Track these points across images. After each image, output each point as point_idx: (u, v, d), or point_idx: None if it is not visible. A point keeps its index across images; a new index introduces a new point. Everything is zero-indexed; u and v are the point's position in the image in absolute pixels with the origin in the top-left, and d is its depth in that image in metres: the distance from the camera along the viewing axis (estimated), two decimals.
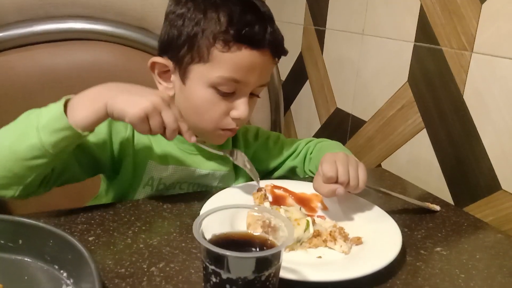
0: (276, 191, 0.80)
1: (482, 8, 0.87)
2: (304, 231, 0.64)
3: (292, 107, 1.63)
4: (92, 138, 0.75)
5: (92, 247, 0.63)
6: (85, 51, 1.13)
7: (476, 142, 0.90)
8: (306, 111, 1.54)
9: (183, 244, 0.65)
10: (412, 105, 1.06)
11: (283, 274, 0.55)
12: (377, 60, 1.17)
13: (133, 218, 0.71)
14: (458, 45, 0.93)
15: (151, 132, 0.65)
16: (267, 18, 0.75)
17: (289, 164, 0.94)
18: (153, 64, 0.78)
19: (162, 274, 0.58)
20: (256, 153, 0.94)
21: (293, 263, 0.58)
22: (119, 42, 1.13)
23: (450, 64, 0.95)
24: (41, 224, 0.57)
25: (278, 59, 0.78)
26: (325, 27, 1.39)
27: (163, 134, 0.67)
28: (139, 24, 1.14)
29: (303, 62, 1.53)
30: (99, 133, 0.76)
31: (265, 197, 0.73)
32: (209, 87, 0.74)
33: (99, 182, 0.88)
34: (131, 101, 0.64)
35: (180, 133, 0.68)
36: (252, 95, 0.78)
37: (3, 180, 0.65)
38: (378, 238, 0.66)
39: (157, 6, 1.14)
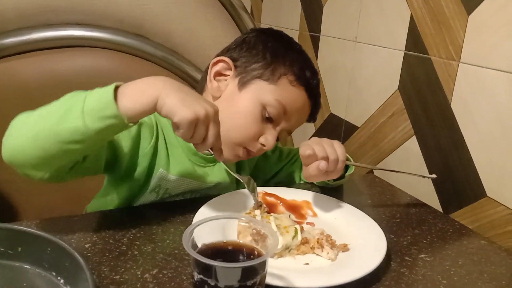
0: (268, 198, 0.82)
1: (469, 19, 0.90)
2: (293, 238, 0.66)
3: None
4: (122, 136, 0.76)
5: (89, 254, 0.65)
6: (84, 58, 1.15)
7: (463, 150, 0.92)
8: None
9: (176, 251, 0.67)
10: (402, 113, 1.08)
11: (271, 280, 0.57)
12: (370, 68, 1.20)
13: (128, 225, 0.74)
14: (446, 54, 0.96)
15: (191, 139, 0.64)
16: (319, 86, 0.88)
17: (287, 169, 0.98)
18: (218, 62, 0.83)
19: (155, 281, 0.60)
20: (257, 163, 0.98)
21: (281, 270, 0.61)
22: (117, 49, 1.15)
23: (439, 73, 0.97)
24: (39, 232, 0.59)
25: (308, 121, 0.89)
26: (319, 33, 1.42)
27: (197, 144, 0.66)
28: (138, 31, 1.16)
29: None
30: (129, 134, 0.77)
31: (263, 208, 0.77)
32: (259, 104, 0.79)
33: (99, 185, 0.90)
34: (186, 101, 0.61)
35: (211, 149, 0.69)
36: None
37: (37, 161, 0.63)
38: (364, 245, 0.69)
39: (156, 13, 1.17)
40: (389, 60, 1.12)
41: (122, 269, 0.62)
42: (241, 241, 0.55)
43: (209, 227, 0.54)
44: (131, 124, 0.62)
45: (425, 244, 0.75)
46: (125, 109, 0.60)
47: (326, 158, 0.77)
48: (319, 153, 0.76)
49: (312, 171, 0.77)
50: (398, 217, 0.84)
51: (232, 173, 0.77)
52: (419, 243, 0.75)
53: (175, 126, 0.62)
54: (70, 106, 0.61)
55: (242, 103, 0.81)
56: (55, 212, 1.22)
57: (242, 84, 0.81)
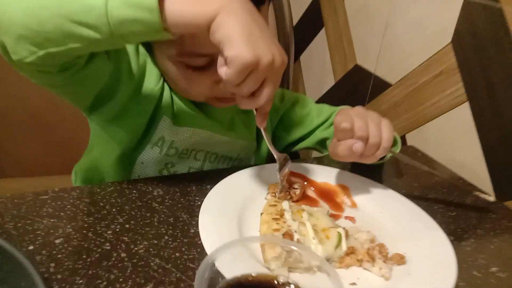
0: (293, 179, 0.65)
1: None
2: (335, 247, 0.50)
3: (302, 57, 1.44)
4: (129, 58, 0.60)
5: (59, 255, 0.48)
6: None
7: None
8: (318, 64, 1.36)
9: (177, 254, 0.50)
10: (453, 73, 0.89)
11: None
12: (414, 12, 0.98)
13: (114, 210, 0.56)
14: None
15: (237, 87, 0.46)
16: None
17: (319, 134, 0.79)
18: None
19: None
20: (283, 118, 0.79)
21: None
22: None
23: (511, 27, 0.77)
24: None
25: (262, 4, 0.59)
26: None
27: (241, 97, 0.49)
28: None
29: (319, 6, 1.32)
30: (137, 60, 0.61)
31: (287, 194, 0.59)
32: (175, 64, 0.60)
33: (84, 135, 0.72)
34: (252, 35, 0.44)
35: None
36: None
37: (25, 31, 0.46)
38: (424, 255, 0.53)
39: None
40: (442, 5, 0.90)
41: (104, 283, 0.45)
42: (274, 274, 0.38)
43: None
44: (167, 35, 0.45)
45: (493, 251, 0.59)
46: (169, 10, 0.43)
47: (366, 139, 0.58)
48: (359, 130, 0.57)
49: (341, 150, 0.58)
50: (452, 208, 0.68)
51: (268, 145, 0.60)
52: (485, 250, 0.59)
53: (223, 62, 0.45)
54: None
55: (168, 72, 0.63)
56: (34, 167, 1.07)
57: (150, 52, 0.64)
